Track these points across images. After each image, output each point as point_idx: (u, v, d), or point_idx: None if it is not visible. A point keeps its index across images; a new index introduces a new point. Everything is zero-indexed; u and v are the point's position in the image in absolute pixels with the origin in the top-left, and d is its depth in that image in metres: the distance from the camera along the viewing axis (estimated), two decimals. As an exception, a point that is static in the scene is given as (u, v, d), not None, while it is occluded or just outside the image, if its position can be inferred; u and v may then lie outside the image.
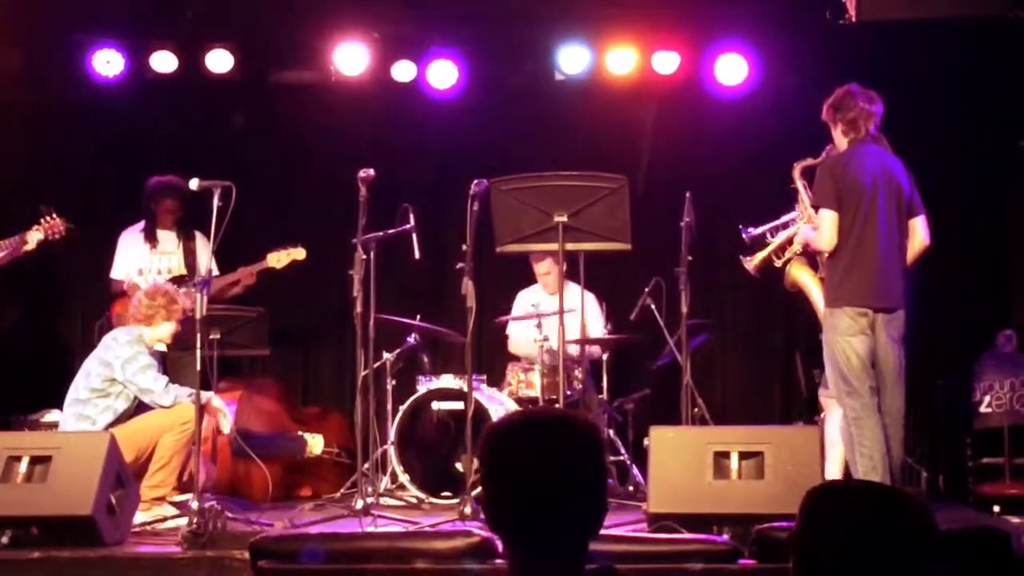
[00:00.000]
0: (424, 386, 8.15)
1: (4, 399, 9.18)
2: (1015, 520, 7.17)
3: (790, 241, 7.14)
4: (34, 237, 8.07)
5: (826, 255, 6.60)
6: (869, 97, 6.60)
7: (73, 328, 9.67)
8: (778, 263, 7.19)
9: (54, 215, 8.12)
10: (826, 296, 6.63)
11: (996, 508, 7.60)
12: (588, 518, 2.50)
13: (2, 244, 8.08)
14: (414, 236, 7.72)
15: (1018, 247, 9.03)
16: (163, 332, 7.42)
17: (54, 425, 7.63)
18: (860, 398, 6.39)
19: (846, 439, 6.49)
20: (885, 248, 6.45)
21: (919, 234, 6.67)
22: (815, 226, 6.66)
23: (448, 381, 8.13)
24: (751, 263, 7.37)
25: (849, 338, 6.41)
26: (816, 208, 6.56)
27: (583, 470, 2.48)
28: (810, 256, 7.09)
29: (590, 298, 8.49)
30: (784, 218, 7.30)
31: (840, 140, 6.65)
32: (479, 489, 6.48)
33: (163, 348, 7.57)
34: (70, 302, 9.73)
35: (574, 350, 8.22)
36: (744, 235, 7.43)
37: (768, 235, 7.36)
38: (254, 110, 9.72)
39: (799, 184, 7.11)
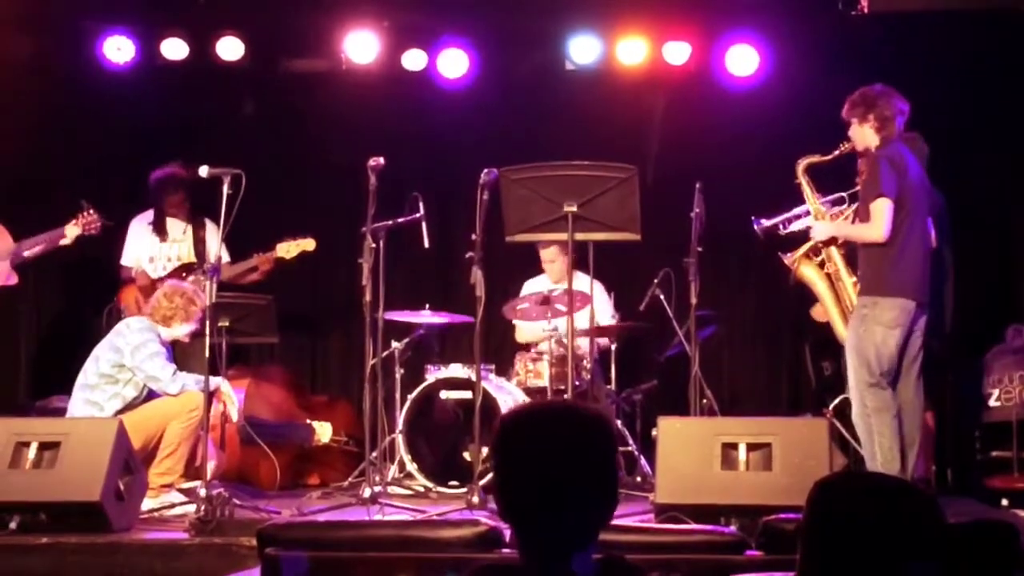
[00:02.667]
0: (433, 375, 8.16)
1: (13, 385, 9.23)
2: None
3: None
4: (72, 232, 8.13)
5: (869, 245, 6.57)
6: (901, 98, 6.66)
7: (82, 314, 9.68)
8: (816, 259, 7.15)
9: (91, 211, 8.17)
10: (870, 285, 6.60)
11: (1005, 501, 7.58)
12: (599, 510, 2.50)
13: (40, 238, 8.14)
14: (423, 225, 7.72)
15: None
16: (180, 332, 7.43)
17: (63, 411, 7.64)
18: (883, 390, 6.42)
19: (864, 430, 6.50)
20: (926, 247, 6.53)
21: (928, 237, 6.78)
22: (849, 216, 6.70)
23: (456, 370, 8.13)
24: (791, 259, 7.31)
25: (891, 330, 6.43)
26: (876, 196, 6.51)
27: (595, 462, 2.49)
28: (817, 252, 7.09)
29: (598, 288, 8.48)
30: (796, 210, 7.28)
31: (868, 137, 6.64)
32: (487, 479, 6.52)
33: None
34: (79, 289, 9.73)
35: (582, 342, 8.21)
36: (756, 226, 7.41)
37: (780, 226, 7.34)
38: (264, 98, 9.72)
39: (803, 180, 7.10)
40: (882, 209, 6.45)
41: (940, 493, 7.54)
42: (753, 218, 7.45)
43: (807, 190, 7.08)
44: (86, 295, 9.63)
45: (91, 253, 9.17)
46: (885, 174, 6.47)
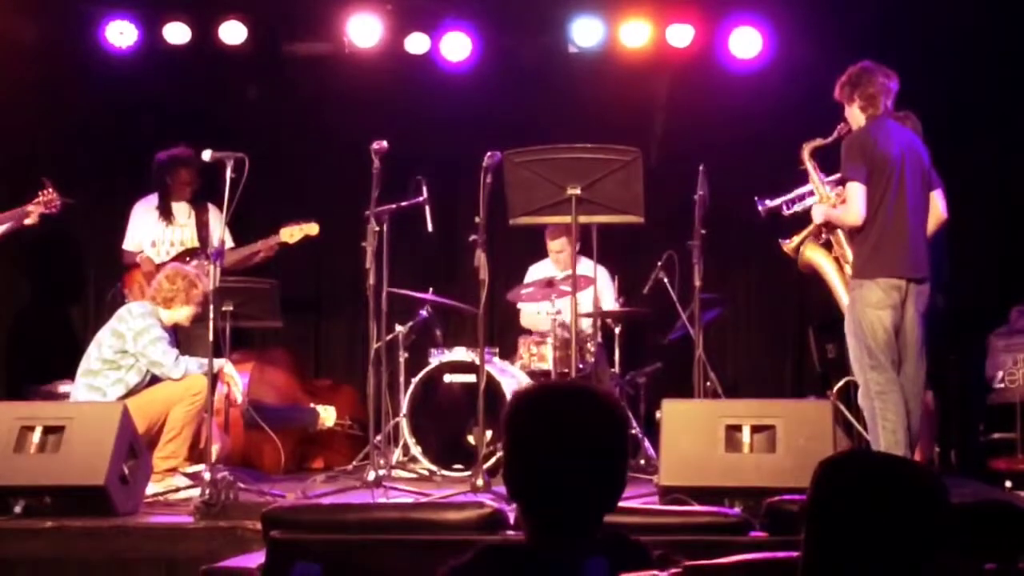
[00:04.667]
0: (436, 359, 8.16)
1: (17, 370, 9.24)
2: (1027, 495, 7.17)
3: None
4: (35, 211, 8.10)
5: (852, 229, 6.59)
6: (886, 73, 6.61)
7: (85, 299, 9.69)
8: (817, 242, 7.14)
9: (50, 189, 8.14)
10: (856, 269, 6.62)
11: (1008, 483, 7.59)
12: (606, 493, 2.50)
13: (3, 216, 8.10)
14: (427, 208, 7.73)
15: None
16: (181, 315, 7.43)
17: (67, 396, 7.65)
18: (885, 372, 6.41)
19: (868, 412, 6.50)
20: (914, 220, 6.51)
21: (937, 207, 6.80)
22: (835, 203, 6.68)
23: (460, 354, 8.13)
24: (788, 246, 7.30)
25: (879, 311, 6.42)
26: (844, 181, 6.53)
27: (605, 443, 2.49)
28: (819, 235, 7.09)
29: (602, 272, 8.48)
30: (800, 190, 7.28)
31: (857, 116, 6.64)
32: (491, 461, 6.53)
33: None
34: (82, 273, 9.74)
35: (586, 324, 8.21)
36: (760, 207, 7.41)
37: (784, 207, 7.34)
38: (267, 81, 9.70)
39: (808, 165, 7.10)
40: (853, 193, 6.45)
41: (944, 474, 7.53)
42: (757, 198, 7.45)
43: (812, 174, 7.08)
44: (88, 279, 9.66)
45: (94, 236, 9.21)
46: (847, 160, 6.48)
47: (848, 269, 6.90)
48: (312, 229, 8.46)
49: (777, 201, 7.36)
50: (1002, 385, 8.01)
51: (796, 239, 7.24)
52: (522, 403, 2.54)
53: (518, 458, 2.50)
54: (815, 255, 7.13)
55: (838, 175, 6.95)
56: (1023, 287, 8.70)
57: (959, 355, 8.42)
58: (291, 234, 8.43)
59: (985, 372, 8.11)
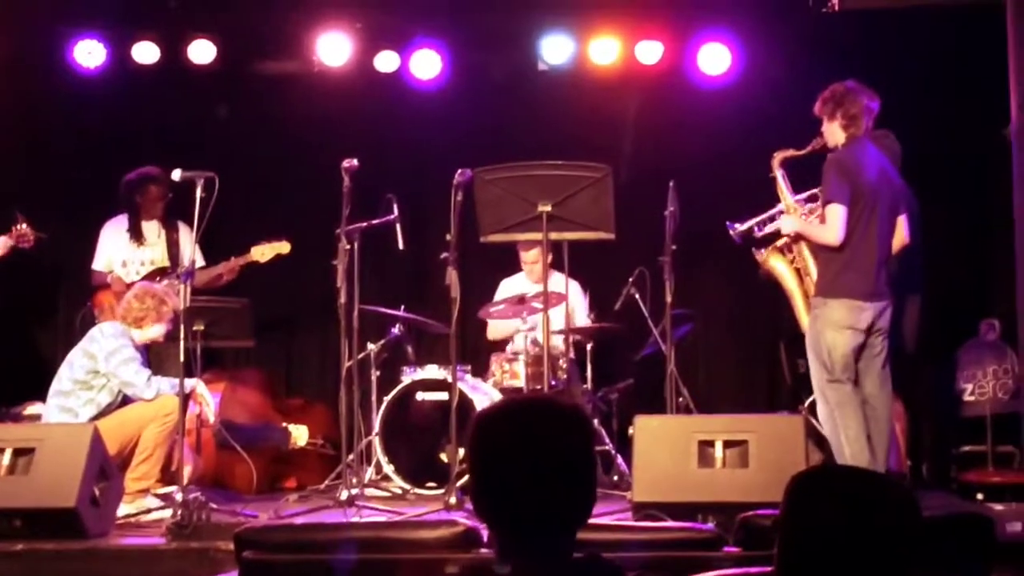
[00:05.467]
0: (408, 377, 8.15)
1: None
2: (998, 507, 7.19)
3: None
4: (5, 243, 8.08)
5: (824, 247, 6.62)
6: (870, 94, 6.68)
7: (55, 320, 9.64)
8: (764, 251, 7.19)
9: (23, 224, 8.12)
10: (819, 286, 6.67)
11: (979, 495, 7.62)
12: (576, 508, 2.49)
13: None
14: (398, 226, 7.71)
15: (1001, 236, 9.03)
16: (153, 333, 7.40)
17: (37, 417, 7.60)
18: (842, 385, 6.49)
19: (830, 427, 6.54)
20: (881, 246, 6.59)
21: (901, 232, 6.91)
22: (803, 214, 6.73)
23: (432, 371, 8.13)
24: (764, 257, 7.33)
25: (840, 330, 6.47)
26: (827, 203, 6.56)
27: (572, 458, 2.47)
28: (786, 245, 7.13)
29: (574, 287, 8.49)
30: (770, 212, 7.31)
31: (836, 134, 6.68)
32: (464, 479, 6.51)
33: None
34: (52, 294, 9.69)
35: (558, 340, 8.21)
36: (731, 230, 7.42)
37: (755, 229, 7.36)
38: (237, 101, 9.68)
39: (777, 174, 7.15)
40: (835, 214, 6.49)
41: (915, 487, 7.56)
42: (728, 223, 7.46)
43: (781, 184, 7.14)
44: (58, 300, 9.61)
45: (64, 257, 9.17)
46: (833, 181, 6.52)
47: (809, 282, 6.94)
48: (283, 247, 8.44)
49: (748, 224, 7.37)
50: (972, 398, 8.06)
51: (771, 248, 7.28)
52: (485, 421, 2.53)
53: (483, 477, 2.49)
54: (776, 263, 7.18)
55: (809, 192, 7.00)
56: (992, 300, 8.77)
57: (929, 369, 8.46)
58: (262, 253, 8.41)
59: (956, 385, 8.15)
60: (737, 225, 7.41)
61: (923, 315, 7.47)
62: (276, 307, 9.53)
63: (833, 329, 6.50)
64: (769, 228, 7.27)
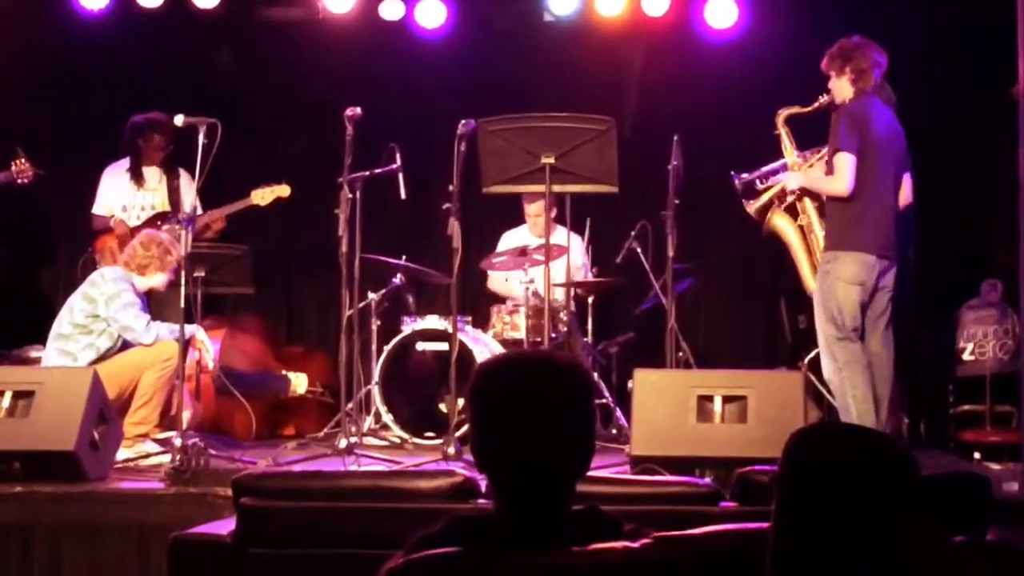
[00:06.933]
0: (409, 327, 8.14)
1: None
2: (995, 467, 7.23)
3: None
4: (5, 177, 8.08)
5: (833, 199, 6.60)
6: (879, 49, 6.64)
7: (56, 264, 9.64)
8: (780, 207, 7.18)
9: (23, 159, 8.10)
10: (829, 240, 6.65)
11: (977, 455, 7.64)
12: (574, 460, 2.49)
13: None
14: (400, 176, 7.69)
15: (1004, 196, 9.01)
16: (154, 281, 7.41)
17: (38, 361, 7.61)
18: (851, 343, 6.46)
19: (836, 385, 6.54)
20: (892, 201, 6.53)
21: (905, 191, 6.82)
22: (820, 170, 6.70)
23: (433, 322, 8.12)
24: (753, 207, 7.34)
25: (851, 285, 6.45)
26: (835, 151, 6.52)
27: (571, 412, 2.47)
28: (791, 204, 7.11)
29: (576, 241, 8.48)
30: (773, 164, 7.29)
31: (845, 89, 6.65)
32: (463, 430, 6.52)
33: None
34: (53, 238, 9.69)
35: (559, 293, 8.21)
36: (737, 181, 7.41)
37: (758, 181, 7.35)
38: (240, 47, 9.64)
39: (782, 131, 7.13)
40: (844, 163, 6.46)
41: (913, 446, 7.58)
42: (732, 173, 7.45)
43: (786, 141, 7.12)
44: (59, 243, 9.61)
45: (65, 201, 9.16)
46: (844, 130, 6.48)
47: (814, 239, 6.93)
48: (284, 191, 8.40)
49: (752, 175, 7.37)
50: (972, 358, 8.06)
51: (762, 199, 7.27)
52: (486, 374, 2.53)
53: (484, 429, 2.49)
54: (780, 222, 7.16)
55: (814, 149, 6.97)
56: (994, 260, 8.75)
57: (929, 328, 8.46)
58: (262, 196, 8.37)
59: (955, 345, 8.15)
60: (742, 175, 7.40)
61: (916, 273, 7.45)
62: (277, 255, 9.54)
63: (845, 283, 6.48)
64: (772, 181, 7.25)
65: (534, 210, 8.54)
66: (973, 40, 8.79)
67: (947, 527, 2.90)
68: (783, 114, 7.13)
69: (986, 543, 2.92)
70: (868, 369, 6.47)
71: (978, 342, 8.05)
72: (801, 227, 7.06)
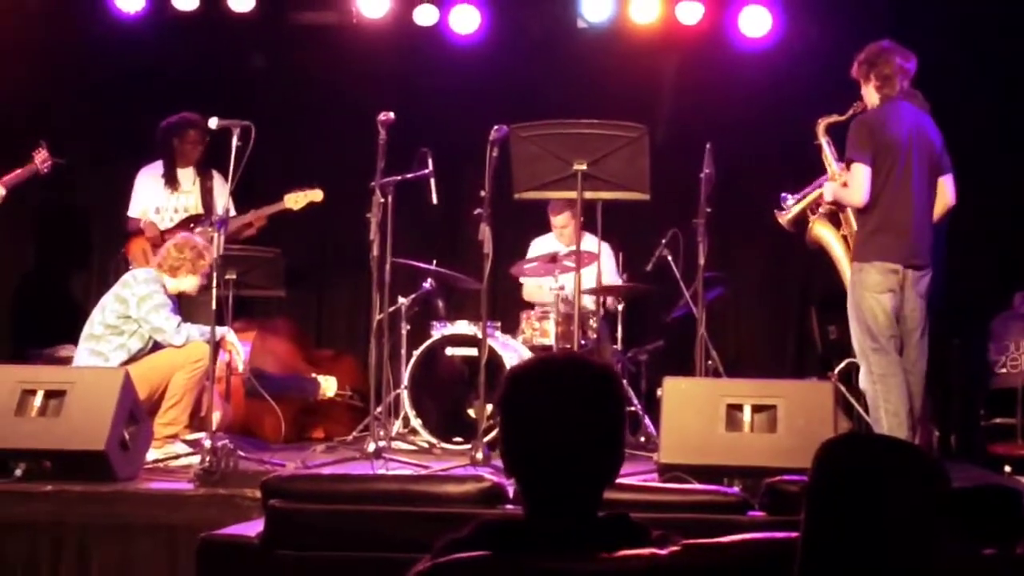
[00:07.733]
0: (438, 331, 8.16)
1: (21, 333, 9.24)
2: (1026, 480, 7.18)
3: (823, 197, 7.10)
4: (28, 170, 8.18)
5: (855, 210, 6.57)
6: (904, 54, 6.59)
7: (89, 264, 9.70)
8: (812, 218, 7.15)
9: (44, 149, 8.17)
10: (855, 251, 6.63)
11: (1008, 468, 7.59)
12: (604, 466, 2.48)
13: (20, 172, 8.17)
14: (432, 181, 7.70)
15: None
16: (186, 284, 7.43)
17: (69, 360, 7.66)
18: (887, 355, 6.41)
19: (870, 396, 6.50)
20: (918, 206, 6.50)
21: (946, 193, 6.73)
22: (845, 181, 6.65)
23: (463, 327, 8.13)
24: (785, 217, 7.31)
25: (877, 295, 6.42)
26: (849, 162, 6.51)
27: (602, 417, 2.46)
28: (833, 214, 7.07)
29: (606, 249, 8.47)
30: (819, 180, 7.24)
31: (872, 96, 6.62)
32: (491, 435, 6.53)
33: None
34: (87, 238, 9.74)
35: (589, 300, 8.20)
36: (783, 204, 7.35)
37: (790, 196, 7.31)
38: (274, 51, 9.68)
39: (823, 141, 7.08)
40: (856, 174, 6.44)
41: (943, 458, 7.54)
42: (783, 195, 7.39)
43: (827, 151, 7.06)
44: (93, 245, 9.67)
45: (99, 202, 9.21)
46: (852, 140, 6.47)
47: (856, 250, 6.89)
48: (316, 195, 8.42)
49: (799, 196, 7.30)
50: (1004, 370, 8.01)
51: (794, 210, 7.24)
52: (517, 378, 2.52)
53: (514, 433, 2.49)
54: (824, 232, 7.12)
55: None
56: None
57: (961, 339, 8.42)
58: (295, 200, 8.40)
59: (987, 356, 8.10)
60: (789, 197, 7.34)
61: (948, 283, 7.40)
62: (308, 258, 9.57)
63: (872, 294, 6.45)
64: (807, 190, 7.22)
65: (560, 221, 8.54)
66: (1011, 46, 8.74)
67: (977, 539, 2.88)
68: (823, 123, 7.09)
69: (1017, 556, 2.90)
70: (905, 382, 6.42)
71: (1010, 354, 8.00)
72: (844, 237, 7.02)
